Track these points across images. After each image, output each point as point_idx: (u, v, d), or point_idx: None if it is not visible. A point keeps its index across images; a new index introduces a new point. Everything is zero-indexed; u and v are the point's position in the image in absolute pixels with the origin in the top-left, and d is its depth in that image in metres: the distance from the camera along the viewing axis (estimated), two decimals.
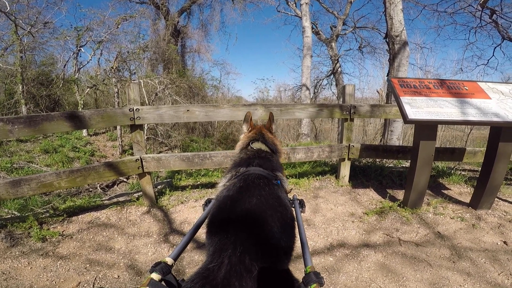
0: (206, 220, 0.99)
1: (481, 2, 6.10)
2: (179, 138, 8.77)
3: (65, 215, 2.66)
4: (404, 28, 4.92)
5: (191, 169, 3.65)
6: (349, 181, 3.53)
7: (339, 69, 12.41)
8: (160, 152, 8.56)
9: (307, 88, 9.13)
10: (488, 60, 9.89)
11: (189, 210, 2.85)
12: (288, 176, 3.70)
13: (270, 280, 0.71)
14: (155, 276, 0.66)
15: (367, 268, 1.97)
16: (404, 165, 4.36)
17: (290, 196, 1.31)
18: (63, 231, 2.42)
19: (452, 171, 3.93)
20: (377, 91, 10.87)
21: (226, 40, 37.48)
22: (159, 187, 3.42)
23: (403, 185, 3.53)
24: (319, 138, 12.11)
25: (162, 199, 3.06)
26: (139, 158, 2.65)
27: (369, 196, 3.20)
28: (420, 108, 2.36)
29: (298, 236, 0.95)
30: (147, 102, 7.50)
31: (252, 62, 46.37)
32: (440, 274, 1.87)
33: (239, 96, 15.90)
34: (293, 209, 1.15)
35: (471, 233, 2.36)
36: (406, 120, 2.28)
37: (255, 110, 2.82)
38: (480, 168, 4.42)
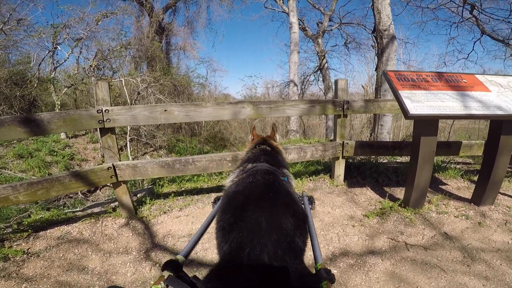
0: (217, 217, 0.97)
1: None
2: (164, 138, 8.40)
3: (30, 230, 2.33)
4: (392, 22, 4.80)
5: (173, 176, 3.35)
6: (344, 180, 3.35)
7: (326, 65, 12.35)
8: (145, 153, 8.18)
9: (295, 84, 8.96)
10: (469, 54, 10.08)
11: (173, 221, 2.57)
12: None
13: (289, 277, 0.68)
14: (167, 274, 0.65)
15: (376, 279, 1.77)
16: (398, 160, 4.24)
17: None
18: (28, 249, 2.12)
19: (447, 165, 3.83)
20: (362, 86, 10.88)
21: (213, 37, 36.65)
22: (138, 195, 3.11)
23: (400, 182, 3.40)
24: (307, 134, 12.02)
25: (142, 209, 2.76)
26: (112, 166, 2.33)
27: (367, 196, 3.03)
28: (420, 102, 2.19)
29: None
30: (129, 101, 7.13)
31: (240, 59, 45.97)
32: (456, 280, 1.71)
33: (226, 93, 15.61)
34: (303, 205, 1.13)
35: (478, 232, 2.23)
36: (407, 115, 2.10)
37: (243, 108, 2.57)
38: (472, 161, 4.43)
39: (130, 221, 2.55)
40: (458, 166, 3.98)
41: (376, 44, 5.28)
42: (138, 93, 7.78)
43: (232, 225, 0.84)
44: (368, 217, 2.53)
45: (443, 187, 3.17)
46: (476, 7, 6.55)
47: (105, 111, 2.21)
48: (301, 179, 3.41)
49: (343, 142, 3.10)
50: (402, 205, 2.66)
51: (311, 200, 1.24)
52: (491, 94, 2.33)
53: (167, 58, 13.29)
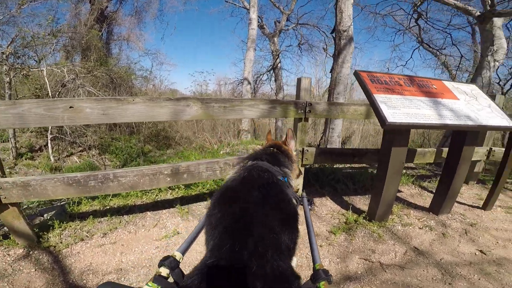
0: (207, 212, 0.94)
1: (415, 5, 6.45)
2: (95, 137, 7.18)
3: None
4: (352, 24, 4.71)
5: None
6: (303, 190, 3.04)
7: (279, 65, 12.25)
8: (72, 154, 6.88)
9: (249, 83, 8.57)
10: (407, 61, 11.03)
11: (95, 251, 1.92)
12: None
13: (269, 276, 0.65)
14: (164, 270, 0.67)
15: None
16: (347, 165, 4.14)
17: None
18: None
19: None
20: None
21: (163, 29, 33.76)
22: (45, 215, 2.32)
23: (357, 190, 3.25)
24: (258, 134, 11.80)
25: (50, 235, 2.04)
26: None
27: (328, 208, 2.76)
28: (396, 108, 1.95)
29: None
30: (50, 94, 5.87)
31: (192, 54, 43.65)
32: None
33: (174, 89, 14.45)
34: (302, 206, 1.14)
35: (445, 244, 2.13)
36: (385, 124, 1.83)
37: (187, 106, 2.02)
38: (413, 166, 4.59)
39: (31, 252, 1.84)
40: (407, 172, 4.06)
41: (334, 44, 5.14)
42: (64, 85, 6.49)
43: (218, 220, 0.83)
44: (334, 234, 2.24)
45: (398, 194, 3.10)
46: (422, 16, 7.00)
47: None
48: None
49: (303, 149, 2.77)
50: (367, 218, 2.45)
51: (310, 201, 1.23)
52: (460, 103, 2.22)
53: (107, 48, 12.15)
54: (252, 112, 2.42)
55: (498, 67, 5.09)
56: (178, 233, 2.17)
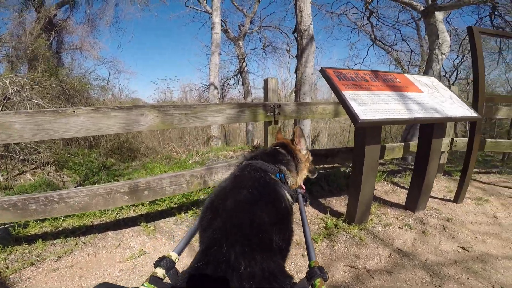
0: (200, 215, 0.92)
1: (366, 3, 6.71)
2: (49, 153, 6.45)
3: None
4: (312, 23, 4.71)
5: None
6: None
7: (246, 68, 12.17)
8: (24, 172, 6.12)
9: (215, 88, 8.33)
10: (363, 59, 11.51)
11: (49, 277, 1.69)
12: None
13: (257, 276, 0.63)
14: (159, 270, 0.68)
15: None
16: (321, 166, 4.08)
17: None
18: None
19: None
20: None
21: (120, 37, 32.08)
22: None
23: (333, 191, 3.17)
24: (229, 140, 11.54)
25: None
26: None
27: (306, 212, 2.62)
28: (366, 105, 1.86)
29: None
30: None
31: (153, 61, 42.03)
32: None
33: (135, 97, 13.65)
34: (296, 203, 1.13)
35: (427, 243, 2.07)
36: (357, 122, 1.72)
37: (141, 115, 1.76)
38: (382, 162, 4.67)
39: None
40: (378, 168, 4.10)
41: (297, 44, 5.13)
42: (8, 98, 5.76)
43: (209, 221, 0.81)
44: (316, 241, 2.11)
45: None
46: (373, 14, 7.31)
47: None
48: None
49: None
50: (347, 221, 2.35)
51: (305, 197, 1.20)
52: (424, 95, 2.21)
53: (58, 58, 11.21)
54: (218, 118, 2.22)
55: (444, 59, 5.42)
56: (146, 253, 1.96)
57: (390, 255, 1.93)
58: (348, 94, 1.87)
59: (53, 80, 7.48)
